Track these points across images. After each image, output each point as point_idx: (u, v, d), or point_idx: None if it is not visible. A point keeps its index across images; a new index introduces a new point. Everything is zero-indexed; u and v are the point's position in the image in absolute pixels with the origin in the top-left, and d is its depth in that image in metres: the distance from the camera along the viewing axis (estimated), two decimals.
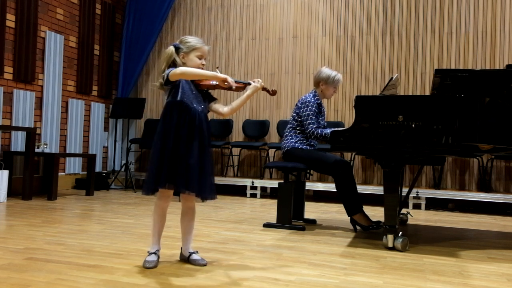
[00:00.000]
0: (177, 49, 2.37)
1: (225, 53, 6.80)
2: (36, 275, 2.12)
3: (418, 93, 5.92)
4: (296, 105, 3.84)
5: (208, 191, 2.33)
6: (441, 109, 2.86)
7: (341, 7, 6.35)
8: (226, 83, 2.24)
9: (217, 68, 2.51)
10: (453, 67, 5.83)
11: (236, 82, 2.38)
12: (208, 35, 6.89)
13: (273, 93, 2.58)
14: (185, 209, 2.45)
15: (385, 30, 6.14)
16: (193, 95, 2.35)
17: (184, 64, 2.36)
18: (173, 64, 2.36)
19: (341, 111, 6.27)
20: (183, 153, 2.26)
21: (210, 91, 2.46)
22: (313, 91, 3.86)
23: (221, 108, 2.48)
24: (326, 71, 3.82)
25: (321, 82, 3.81)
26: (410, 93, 5.95)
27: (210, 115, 6.67)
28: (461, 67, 5.80)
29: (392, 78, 3.63)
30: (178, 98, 2.32)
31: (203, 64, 2.40)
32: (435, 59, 5.93)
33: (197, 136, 2.30)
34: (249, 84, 2.46)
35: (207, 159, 2.34)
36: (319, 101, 3.80)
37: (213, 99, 2.48)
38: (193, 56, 2.37)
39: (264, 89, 2.53)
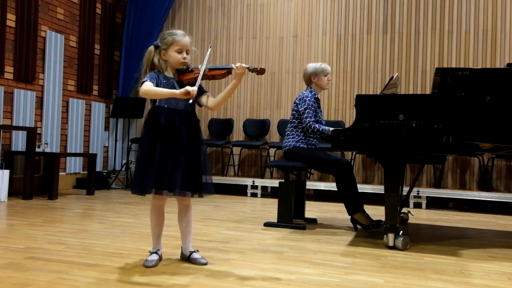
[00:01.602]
0: (157, 47, 2.34)
1: (226, 52, 6.80)
2: (37, 274, 2.12)
3: (419, 92, 5.91)
4: (294, 102, 3.84)
5: (195, 188, 2.28)
6: (442, 108, 2.86)
7: (341, 6, 6.34)
8: (188, 95, 2.13)
9: (210, 47, 2.45)
10: (453, 66, 5.82)
11: (214, 69, 2.32)
12: (208, 35, 6.89)
13: (261, 71, 2.34)
14: (181, 208, 2.43)
15: (386, 29, 6.14)
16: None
17: (166, 62, 2.34)
18: (152, 65, 2.33)
19: (341, 110, 6.27)
20: (159, 155, 2.23)
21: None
22: (309, 88, 3.87)
23: (208, 102, 2.38)
24: (311, 65, 3.86)
25: (312, 76, 3.82)
26: (411, 92, 5.94)
27: (210, 114, 6.68)
28: (461, 66, 5.80)
29: (392, 77, 3.63)
30: (156, 103, 2.31)
31: (184, 58, 2.32)
32: (435, 58, 5.93)
33: (177, 137, 2.26)
34: (232, 68, 2.31)
35: (194, 157, 2.29)
36: (316, 96, 3.81)
37: (202, 92, 2.38)
38: (172, 52, 2.32)
39: (251, 70, 2.32)
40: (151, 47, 2.37)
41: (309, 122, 3.66)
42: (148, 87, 2.21)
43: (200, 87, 2.33)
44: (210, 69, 2.35)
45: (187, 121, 2.30)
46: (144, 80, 2.27)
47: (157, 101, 2.32)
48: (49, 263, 2.32)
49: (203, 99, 2.40)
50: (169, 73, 2.37)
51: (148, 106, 6.88)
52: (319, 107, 3.83)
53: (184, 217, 2.43)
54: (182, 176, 2.25)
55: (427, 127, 2.86)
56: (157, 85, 2.26)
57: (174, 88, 2.29)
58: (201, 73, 2.28)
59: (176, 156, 2.25)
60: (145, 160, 2.25)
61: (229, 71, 2.34)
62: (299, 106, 3.75)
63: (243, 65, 2.30)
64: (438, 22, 5.94)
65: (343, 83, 6.27)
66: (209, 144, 6.29)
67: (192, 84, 2.26)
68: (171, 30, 2.37)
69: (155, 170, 2.22)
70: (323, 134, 3.60)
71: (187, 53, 2.34)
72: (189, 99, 2.16)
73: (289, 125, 3.87)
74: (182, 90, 2.15)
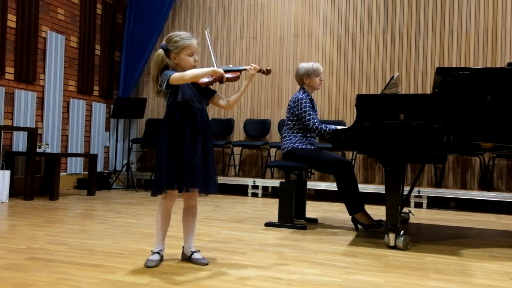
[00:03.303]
0: (167, 50, 2.33)
1: (226, 52, 6.80)
2: (38, 275, 2.12)
3: (419, 92, 5.91)
4: (289, 105, 3.82)
5: (212, 187, 2.38)
6: (443, 108, 2.86)
7: (342, 6, 6.34)
8: (223, 78, 2.28)
9: (206, 28, 2.50)
10: (454, 65, 5.82)
11: (232, 71, 2.41)
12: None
13: (267, 72, 2.54)
14: (187, 207, 2.45)
15: (386, 29, 6.13)
16: (192, 94, 2.35)
17: (177, 65, 2.34)
18: (166, 68, 2.33)
19: (342, 110, 6.27)
20: (187, 152, 2.28)
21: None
22: (301, 89, 3.87)
23: (221, 101, 2.48)
24: (303, 65, 3.85)
25: (304, 77, 3.82)
26: (411, 92, 5.94)
27: (210, 114, 6.67)
28: (462, 65, 5.79)
29: (393, 77, 3.63)
30: (179, 99, 2.32)
31: (195, 61, 2.36)
32: (436, 58, 5.93)
33: (199, 134, 2.33)
34: (245, 69, 2.46)
35: (210, 155, 2.38)
36: (309, 96, 3.80)
37: (212, 93, 2.47)
38: (184, 56, 2.33)
39: (260, 71, 2.50)
40: (161, 51, 2.33)
41: (314, 124, 3.64)
42: (181, 73, 2.25)
43: (209, 88, 2.44)
44: (224, 71, 2.40)
45: (205, 119, 2.38)
46: (169, 74, 2.25)
47: (178, 97, 2.32)
48: (50, 264, 2.32)
49: (217, 99, 2.48)
50: None
51: (149, 107, 6.92)
52: (313, 107, 3.82)
53: (189, 217, 2.44)
54: (210, 175, 2.35)
55: (428, 126, 2.86)
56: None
57: (191, 89, 2.35)
58: (213, 56, 2.40)
59: (203, 154, 2.32)
60: (170, 157, 2.27)
61: (241, 72, 2.45)
62: (295, 109, 3.73)
63: (257, 67, 2.44)
64: (439, 22, 5.94)
65: (344, 83, 6.27)
66: None
67: (207, 88, 2.40)
68: (178, 33, 2.35)
69: (187, 167, 2.27)
70: (330, 134, 3.53)
71: (196, 55, 2.39)
72: (220, 80, 2.29)
73: (285, 127, 3.86)
74: (219, 70, 2.29)
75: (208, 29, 2.45)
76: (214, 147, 2.59)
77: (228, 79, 2.40)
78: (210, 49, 2.44)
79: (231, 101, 2.47)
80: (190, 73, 2.24)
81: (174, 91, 2.33)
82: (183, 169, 2.27)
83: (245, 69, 2.45)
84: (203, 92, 2.42)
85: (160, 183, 2.29)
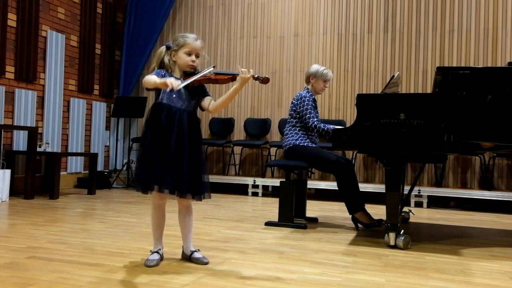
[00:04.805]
0: (169, 48, 2.39)
1: (226, 51, 6.80)
2: (38, 274, 2.12)
3: (420, 91, 5.91)
4: (292, 102, 3.86)
5: (190, 190, 2.27)
6: (443, 107, 2.86)
7: (342, 5, 6.34)
8: (165, 86, 2.09)
9: (213, 66, 2.41)
10: (454, 64, 5.81)
11: (220, 74, 2.32)
12: (209, 34, 6.89)
13: (265, 81, 2.29)
14: (181, 208, 2.43)
15: (387, 28, 6.13)
16: (176, 94, 2.28)
17: (174, 63, 2.37)
18: (162, 64, 2.37)
19: (342, 109, 6.27)
20: (159, 153, 2.23)
21: (205, 85, 2.40)
22: (306, 88, 3.90)
23: (208, 105, 2.37)
24: (315, 66, 3.91)
25: (311, 77, 3.87)
26: (412, 91, 5.94)
27: (211, 114, 6.68)
28: (462, 64, 5.79)
29: (393, 76, 3.63)
30: (158, 100, 2.33)
31: (193, 61, 2.33)
32: (436, 57, 5.92)
33: (174, 135, 2.24)
34: (237, 74, 2.28)
35: (194, 157, 2.28)
36: (313, 97, 3.84)
37: (204, 95, 2.39)
38: (181, 54, 2.34)
39: (255, 78, 2.27)
40: (163, 47, 2.40)
41: (313, 123, 3.68)
42: (147, 76, 2.23)
43: (204, 91, 2.39)
44: (215, 74, 2.35)
45: (187, 121, 2.30)
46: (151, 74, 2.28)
47: (159, 97, 2.32)
48: (50, 263, 2.32)
49: (205, 102, 2.39)
50: (177, 75, 2.37)
51: (149, 106, 6.89)
52: (315, 107, 3.85)
53: (184, 217, 2.43)
54: (182, 177, 2.23)
55: (428, 126, 2.86)
56: None
57: (179, 90, 2.29)
58: (199, 74, 2.27)
59: (177, 156, 2.24)
60: (146, 158, 2.26)
61: (233, 77, 2.31)
62: (297, 106, 3.77)
63: (251, 71, 2.26)
64: (439, 20, 5.93)
65: (344, 82, 6.27)
66: (210, 143, 6.30)
67: (195, 87, 2.29)
68: (184, 33, 2.41)
69: (156, 169, 2.22)
70: (328, 134, 3.59)
71: (196, 57, 2.36)
72: (172, 90, 2.13)
73: (287, 124, 3.89)
74: (162, 80, 2.12)
75: (213, 68, 2.35)
76: (214, 147, 2.55)
77: (215, 81, 2.32)
78: (204, 71, 2.29)
79: (216, 105, 2.35)
80: (147, 79, 2.19)
81: (157, 91, 2.33)
82: (159, 170, 2.21)
83: (236, 74, 2.28)
84: (193, 92, 2.35)
85: (138, 182, 2.27)
